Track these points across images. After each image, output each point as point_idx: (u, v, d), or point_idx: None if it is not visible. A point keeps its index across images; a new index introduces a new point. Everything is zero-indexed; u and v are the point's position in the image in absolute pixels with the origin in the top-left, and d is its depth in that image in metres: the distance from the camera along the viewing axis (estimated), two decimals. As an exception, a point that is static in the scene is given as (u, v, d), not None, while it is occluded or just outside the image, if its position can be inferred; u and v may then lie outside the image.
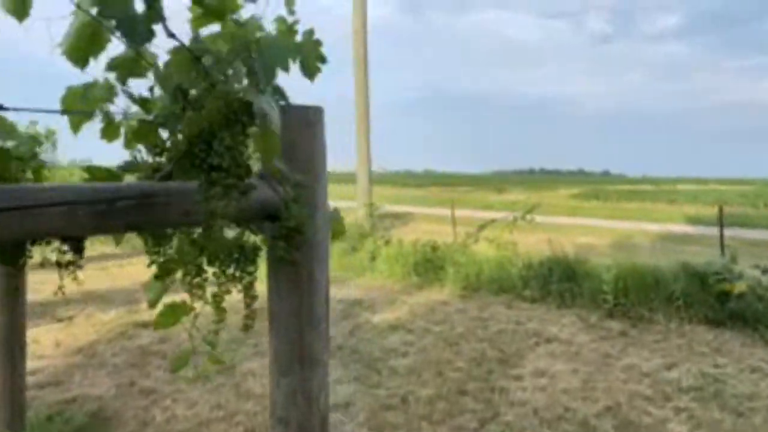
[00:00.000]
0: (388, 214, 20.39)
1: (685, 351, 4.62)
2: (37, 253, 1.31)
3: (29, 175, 1.65)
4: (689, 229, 16.20)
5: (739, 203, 23.88)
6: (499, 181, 71.30)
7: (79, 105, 1.20)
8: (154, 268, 1.11)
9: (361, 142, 9.50)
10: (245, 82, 1.06)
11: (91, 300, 6.09)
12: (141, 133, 1.10)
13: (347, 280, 7.56)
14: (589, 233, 14.85)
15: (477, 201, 25.65)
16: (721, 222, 6.48)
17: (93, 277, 7.13)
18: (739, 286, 5.03)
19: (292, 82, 1.19)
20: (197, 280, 1.06)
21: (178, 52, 1.00)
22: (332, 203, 1.32)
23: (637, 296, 5.57)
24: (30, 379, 3.28)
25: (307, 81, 1.22)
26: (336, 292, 6.33)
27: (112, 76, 1.12)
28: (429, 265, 7.35)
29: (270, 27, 1.16)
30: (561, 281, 6.14)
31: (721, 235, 6.29)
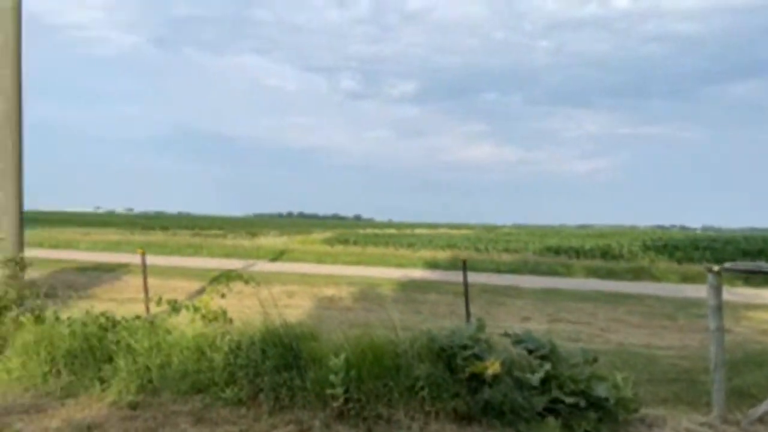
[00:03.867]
0: (101, 266, 16.40)
1: (435, 476, 3.21)
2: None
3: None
4: (427, 274, 16.55)
5: (465, 247, 26.35)
6: (255, 224, 69.10)
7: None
8: None
9: (8, 167, 6.43)
10: None
11: None
12: None
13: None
14: (335, 283, 13.81)
15: (220, 247, 23.04)
16: (465, 280, 5.54)
17: None
18: (493, 366, 3.93)
19: None
20: None
21: None
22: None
23: (374, 387, 4.09)
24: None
25: None
26: None
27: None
28: (90, 356, 4.84)
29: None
30: (277, 371, 4.35)
31: (467, 297, 5.33)
